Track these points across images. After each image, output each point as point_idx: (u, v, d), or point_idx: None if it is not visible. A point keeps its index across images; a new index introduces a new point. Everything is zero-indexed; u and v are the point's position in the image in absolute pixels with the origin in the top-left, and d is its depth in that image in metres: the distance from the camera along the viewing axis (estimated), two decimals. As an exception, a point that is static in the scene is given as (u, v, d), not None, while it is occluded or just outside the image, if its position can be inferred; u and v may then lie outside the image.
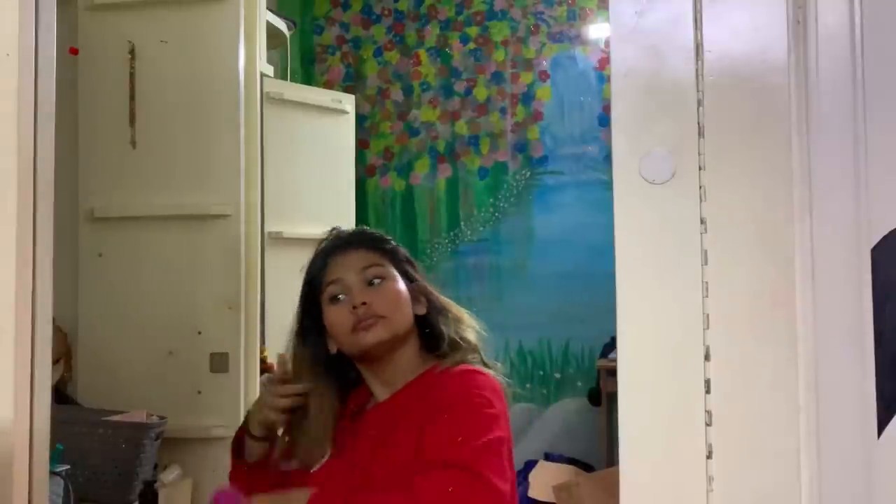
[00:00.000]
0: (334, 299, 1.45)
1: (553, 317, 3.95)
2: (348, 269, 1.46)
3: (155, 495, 2.13)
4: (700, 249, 0.84)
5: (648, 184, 0.85)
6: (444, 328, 1.46)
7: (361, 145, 4.10)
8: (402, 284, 1.46)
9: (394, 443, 1.37)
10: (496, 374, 1.45)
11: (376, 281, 1.45)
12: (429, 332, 1.47)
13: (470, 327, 1.49)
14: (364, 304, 1.41)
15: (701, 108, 0.85)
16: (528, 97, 4.11)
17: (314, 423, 1.44)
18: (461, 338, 1.46)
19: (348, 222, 3.59)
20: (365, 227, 1.59)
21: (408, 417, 1.37)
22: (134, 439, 2.21)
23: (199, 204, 2.63)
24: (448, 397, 1.36)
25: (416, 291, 1.48)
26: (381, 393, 1.47)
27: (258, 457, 1.49)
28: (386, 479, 1.32)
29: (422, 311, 1.47)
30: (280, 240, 3.13)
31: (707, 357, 0.84)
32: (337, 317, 1.44)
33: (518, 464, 2.48)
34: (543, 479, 3.45)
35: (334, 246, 1.52)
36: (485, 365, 1.45)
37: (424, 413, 1.35)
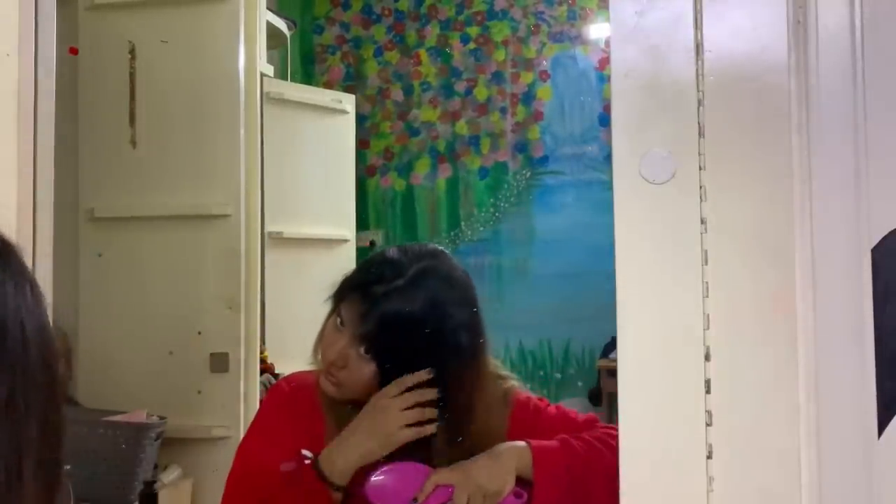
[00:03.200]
0: (341, 323, 1.28)
1: (553, 317, 3.95)
2: (352, 324, 1.26)
3: (155, 496, 2.13)
4: (700, 249, 0.84)
5: (648, 184, 0.85)
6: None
7: (362, 145, 4.11)
8: (377, 371, 1.26)
9: None
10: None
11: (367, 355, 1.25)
12: None
13: None
14: (333, 369, 1.26)
15: (701, 108, 0.85)
16: (528, 97, 4.11)
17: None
18: None
19: (349, 222, 3.60)
20: (404, 277, 1.26)
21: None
22: (134, 439, 2.21)
23: (199, 204, 2.63)
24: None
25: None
26: None
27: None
28: None
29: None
30: (280, 240, 3.14)
31: (707, 357, 0.84)
32: (328, 336, 1.29)
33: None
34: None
35: (362, 283, 1.29)
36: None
37: None
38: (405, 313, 1.24)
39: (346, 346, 1.26)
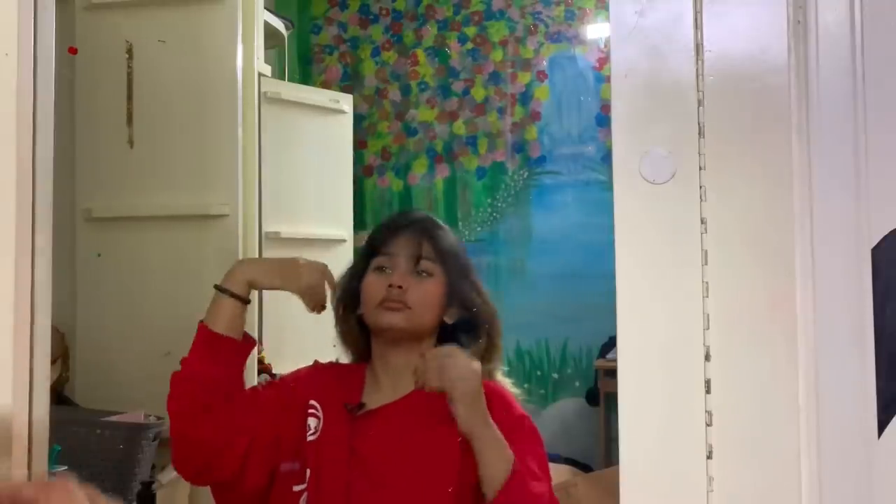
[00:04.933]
0: (380, 269, 1.49)
1: (551, 317, 3.95)
2: (405, 250, 1.50)
3: (152, 496, 2.12)
4: (700, 249, 0.84)
5: (648, 184, 0.85)
6: (465, 342, 1.49)
7: (359, 145, 4.10)
8: (442, 289, 1.49)
9: (417, 444, 1.40)
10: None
11: (423, 274, 1.48)
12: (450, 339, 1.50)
13: (498, 354, 1.54)
14: (400, 287, 1.45)
15: (701, 108, 0.85)
16: (526, 97, 4.11)
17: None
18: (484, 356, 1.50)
19: (346, 222, 3.59)
20: (440, 223, 1.60)
21: (436, 423, 1.39)
22: (131, 440, 2.21)
23: (196, 204, 2.63)
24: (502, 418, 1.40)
25: (455, 300, 1.51)
26: (385, 382, 1.49)
27: (227, 324, 1.52)
28: (397, 477, 1.35)
29: (450, 319, 1.51)
30: (278, 240, 3.13)
31: (707, 357, 0.84)
32: (372, 285, 1.48)
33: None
34: (541, 479, 3.44)
35: (406, 224, 1.55)
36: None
37: None
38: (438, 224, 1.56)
39: (406, 271, 1.47)
